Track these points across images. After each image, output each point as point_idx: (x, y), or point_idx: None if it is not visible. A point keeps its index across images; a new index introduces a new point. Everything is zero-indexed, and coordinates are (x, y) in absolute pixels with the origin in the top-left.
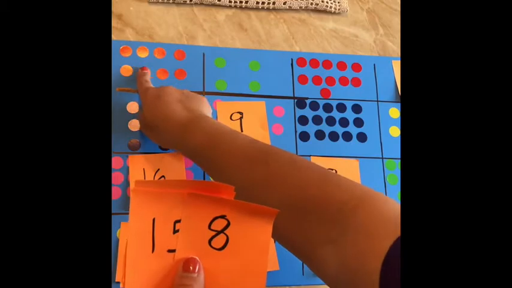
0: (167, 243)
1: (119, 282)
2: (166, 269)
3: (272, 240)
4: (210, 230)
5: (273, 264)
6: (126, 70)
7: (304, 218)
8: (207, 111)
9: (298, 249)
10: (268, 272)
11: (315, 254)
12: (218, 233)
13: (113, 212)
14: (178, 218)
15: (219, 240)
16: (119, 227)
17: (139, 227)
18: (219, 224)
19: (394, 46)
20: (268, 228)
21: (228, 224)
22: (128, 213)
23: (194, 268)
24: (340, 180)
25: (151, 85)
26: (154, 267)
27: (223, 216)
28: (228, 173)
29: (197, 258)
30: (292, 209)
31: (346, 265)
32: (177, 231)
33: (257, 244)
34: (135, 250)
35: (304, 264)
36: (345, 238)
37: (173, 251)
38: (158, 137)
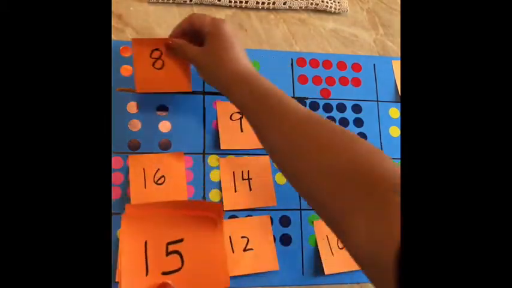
0: (160, 265)
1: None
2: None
3: (272, 240)
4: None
5: (273, 264)
6: (126, 70)
7: (343, 186)
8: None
9: (331, 216)
10: (268, 272)
11: (346, 221)
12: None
13: (113, 212)
14: (171, 240)
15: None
16: (119, 227)
17: (132, 250)
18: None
19: (394, 46)
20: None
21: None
22: None
23: None
24: (386, 159)
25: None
26: None
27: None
28: (269, 134)
29: (170, 282)
30: (333, 176)
31: (373, 238)
32: (170, 253)
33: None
34: (129, 274)
35: (304, 264)
36: (379, 212)
37: (167, 273)
38: (214, 76)
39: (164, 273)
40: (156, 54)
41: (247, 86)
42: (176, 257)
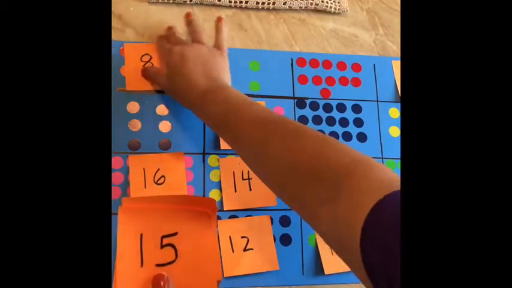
0: (155, 257)
1: None
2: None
3: (272, 240)
4: (161, 245)
5: (273, 264)
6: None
7: (308, 181)
8: (228, 78)
9: (302, 210)
10: (268, 272)
11: (314, 213)
12: (166, 245)
13: (113, 212)
14: (166, 233)
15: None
16: None
17: (128, 242)
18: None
19: (394, 46)
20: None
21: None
22: None
23: (164, 283)
24: (338, 145)
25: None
26: (143, 281)
27: (173, 234)
28: (241, 141)
29: (164, 273)
30: (298, 174)
31: (335, 222)
32: (165, 246)
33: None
34: (124, 265)
35: (304, 264)
36: (339, 197)
37: (161, 265)
38: (179, 99)
39: (158, 265)
40: (146, 58)
41: (215, 99)
42: (170, 249)
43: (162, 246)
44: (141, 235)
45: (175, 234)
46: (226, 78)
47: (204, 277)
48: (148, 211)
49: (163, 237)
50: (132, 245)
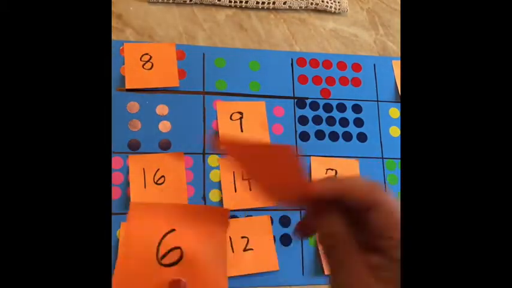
0: (160, 257)
1: None
2: (160, 283)
3: (272, 240)
4: (160, 247)
5: (273, 264)
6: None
7: None
8: None
9: None
10: (268, 272)
11: None
12: (170, 250)
13: (113, 212)
14: (168, 229)
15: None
16: (119, 227)
17: (138, 241)
18: (171, 239)
19: (394, 46)
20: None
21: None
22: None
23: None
24: None
25: None
26: (152, 281)
27: (172, 231)
28: None
29: (182, 279)
30: None
31: None
32: (171, 249)
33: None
34: (135, 264)
35: (304, 264)
36: None
37: (168, 265)
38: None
39: (165, 265)
40: (145, 58)
41: None
42: (177, 251)
43: (169, 249)
44: (148, 234)
45: (177, 232)
46: None
47: (213, 277)
48: (160, 214)
49: (165, 234)
50: (141, 245)
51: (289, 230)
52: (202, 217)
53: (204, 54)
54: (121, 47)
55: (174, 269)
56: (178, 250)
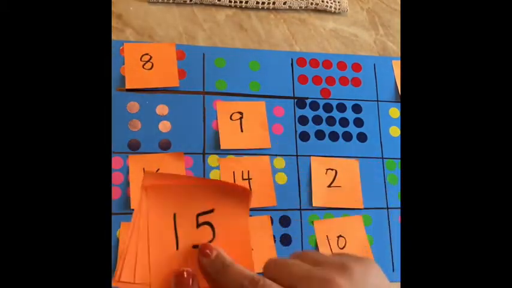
0: (191, 238)
1: None
2: (193, 265)
3: (272, 240)
4: (197, 224)
5: None
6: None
7: None
8: None
9: None
10: None
11: None
12: (203, 223)
13: (112, 212)
14: (202, 210)
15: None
16: (119, 227)
17: (161, 223)
18: (204, 216)
19: (394, 46)
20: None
21: (212, 211)
22: (128, 213)
23: (188, 281)
24: None
25: None
26: (181, 265)
27: (210, 211)
28: None
29: (190, 270)
30: None
31: None
32: (201, 224)
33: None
34: (159, 249)
35: None
36: None
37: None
38: None
39: (196, 247)
40: (145, 58)
41: None
42: (207, 228)
43: (198, 225)
44: (175, 214)
45: (211, 211)
46: None
47: (240, 261)
48: (178, 188)
49: (199, 215)
50: (165, 226)
51: (289, 230)
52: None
53: (204, 54)
54: (121, 47)
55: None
56: (210, 229)
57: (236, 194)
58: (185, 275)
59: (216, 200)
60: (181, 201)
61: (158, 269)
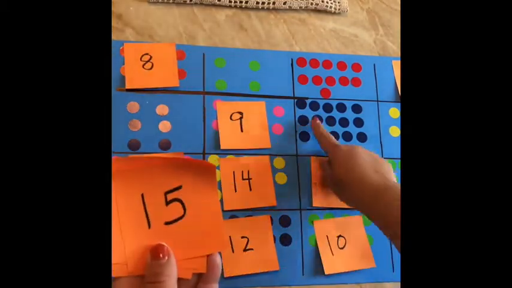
0: (162, 215)
1: None
2: (167, 242)
3: (272, 240)
4: (166, 202)
5: (273, 264)
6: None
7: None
8: (392, 175)
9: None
10: (268, 272)
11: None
12: (172, 200)
13: None
14: (169, 188)
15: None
16: None
17: (130, 205)
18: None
19: (394, 46)
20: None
21: (179, 187)
22: None
23: (164, 254)
24: None
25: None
26: (155, 242)
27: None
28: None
29: (164, 244)
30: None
31: None
32: (171, 201)
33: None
34: (131, 230)
35: (304, 264)
36: None
37: (170, 222)
38: (347, 194)
39: (168, 223)
40: (145, 58)
41: (389, 198)
42: (177, 204)
43: (167, 203)
44: (142, 195)
45: (179, 188)
46: (391, 175)
47: (210, 237)
48: (144, 169)
49: (166, 193)
50: (134, 207)
51: (289, 230)
52: (192, 171)
53: (204, 54)
54: (121, 47)
55: (176, 226)
56: (180, 205)
57: (202, 170)
58: (160, 247)
59: (182, 177)
60: (147, 181)
61: (133, 248)
